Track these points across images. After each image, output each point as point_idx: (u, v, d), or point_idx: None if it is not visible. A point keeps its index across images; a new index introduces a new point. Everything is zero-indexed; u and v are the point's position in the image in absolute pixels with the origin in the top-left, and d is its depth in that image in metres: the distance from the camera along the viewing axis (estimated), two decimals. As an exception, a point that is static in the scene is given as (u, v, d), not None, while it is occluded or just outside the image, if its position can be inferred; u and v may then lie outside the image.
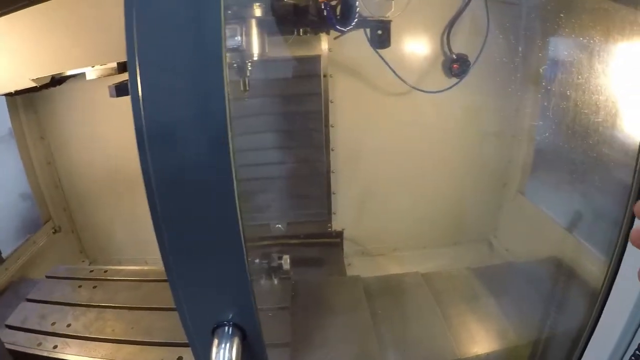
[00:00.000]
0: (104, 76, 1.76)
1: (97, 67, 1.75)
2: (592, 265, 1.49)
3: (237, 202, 0.80)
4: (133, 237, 2.47)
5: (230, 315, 0.90)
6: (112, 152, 2.41)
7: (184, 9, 0.71)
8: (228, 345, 0.87)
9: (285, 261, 2.11)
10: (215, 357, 0.86)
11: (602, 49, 1.59)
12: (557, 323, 1.68)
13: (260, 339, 0.94)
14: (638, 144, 1.00)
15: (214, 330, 0.90)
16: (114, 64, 1.72)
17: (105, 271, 2.14)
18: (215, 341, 0.88)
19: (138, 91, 0.72)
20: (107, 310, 1.93)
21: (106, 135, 2.42)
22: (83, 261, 2.72)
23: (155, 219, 0.79)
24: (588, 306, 1.26)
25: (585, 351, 1.23)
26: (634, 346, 1.05)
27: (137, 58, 0.71)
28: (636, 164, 0.99)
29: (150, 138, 0.74)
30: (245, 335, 0.92)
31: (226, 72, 0.73)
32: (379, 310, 2.00)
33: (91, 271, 2.17)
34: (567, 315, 1.63)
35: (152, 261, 2.40)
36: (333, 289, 2.17)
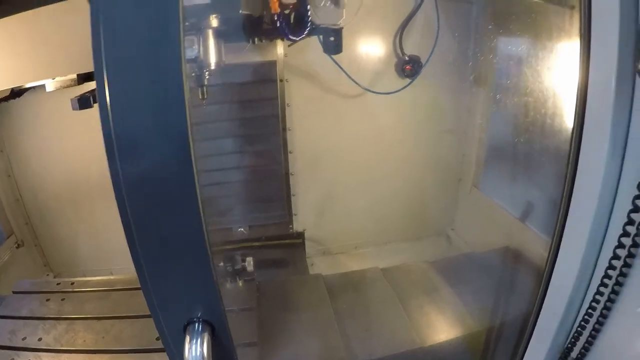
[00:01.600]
0: (64, 88, 1.77)
1: (58, 78, 1.75)
2: (541, 250, 1.64)
3: (199, 202, 0.88)
4: (97, 249, 2.50)
5: (200, 312, 0.98)
6: (72, 165, 2.44)
7: (146, 23, 0.78)
8: (199, 340, 0.96)
9: (249, 263, 2.19)
10: (189, 353, 0.94)
11: (545, 47, 1.74)
12: (511, 306, 1.81)
13: (227, 333, 1.03)
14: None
15: (185, 327, 0.98)
16: (74, 76, 1.75)
17: (72, 283, 2.17)
18: (187, 337, 0.96)
19: (106, 101, 0.78)
20: (77, 321, 1.96)
21: (66, 147, 2.44)
22: (47, 275, 2.74)
23: (125, 223, 0.86)
24: (534, 288, 1.35)
25: (535, 328, 1.35)
26: (579, 318, 1.18)
27: (105, 70, 0.77)
28: (570, 149, 1.12)
29: (119, 146, 0.80)
30: (214, 330, 1.00)
31: (186, 83, 0.80)
32: (342, 306, 2.11)
33: (58, 284, 2.19)
34: (519, 298, 1.75)
35: (117, 271, 2.43)
36: (296, 288, 2.27)
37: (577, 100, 1.06)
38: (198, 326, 0.98)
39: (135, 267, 0.90)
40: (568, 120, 1.13)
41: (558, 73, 1.59)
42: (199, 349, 0.95)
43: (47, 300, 2.11)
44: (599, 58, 0.99)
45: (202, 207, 0.89)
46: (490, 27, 2.41)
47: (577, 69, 1.05)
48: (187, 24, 1.75)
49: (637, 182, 0.93)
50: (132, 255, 0.89)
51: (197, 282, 0.97)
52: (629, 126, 0.97)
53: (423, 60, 2.51)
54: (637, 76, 0.91)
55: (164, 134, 0.83)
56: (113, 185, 0.83)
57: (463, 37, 2.54)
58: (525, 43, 1.98)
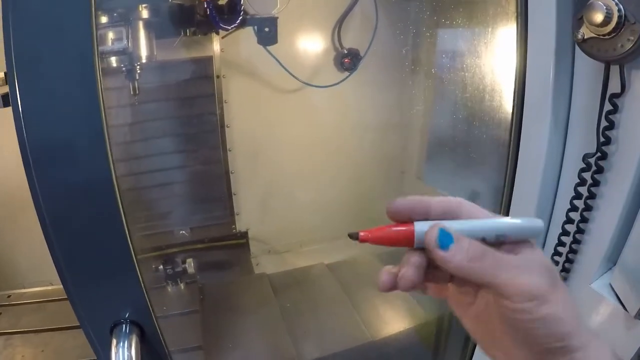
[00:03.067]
0: None
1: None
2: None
3: (118, 196, 0.86)
4: (34, 260, 2.40)
5: (127, 313, 0.96)
6: (2, 171, 2.33)
7: (56, 20, 0.76)
8: (126, 343, 0.93)
9: (190, 265, 2.16)
10: (115, 357, 0.92)
11: (484, 36, 1.77)
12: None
13: (158, 334, 1.02)
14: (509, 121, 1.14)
15: (112, 329, 0.95)
16: (1, 74, 1.69)
17: (9, 296, 2.10)
18: (114, 340, 0.93)
19: (18, 106, 0.77)
20: (14, 336, 1.91)
21: None
22: (-16, 289, 2.62)
23: (43, 226, 0.84)
24: None
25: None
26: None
27: (14, 68, 0.76)
28: (510, 135, 1.14)
29: (33, 152, 0.79)
30: (144, 332, 0.98)
31: (100, 80, 0.79)
32: (288, 304, 2.10)
33: None
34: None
35: (56, 281, 2.28)
36: (241, 289, 2.26)
37: (516, 84, 1.08)
38: (125, 327, 0.96)
39: (56, 268, 0.89)
40: (508, 106, 1.15)
41: (497, 60, 1.62)
42: (126, 352, 0.93)
43: (-17, 315, 2.00)
44: (536, 37, 1.00)
45: (121, 200, 0.88)
46: (429, 17, 2.43)
47: (515, 54, 1.07)
48: (114, 14, 1.70)
49: (580, 156, 0.94)
50: (51, 256, 0.88)
51: (121, 281, 0.95)
52: (570, 97, 0.99)
53: (362, 53, 2.51)
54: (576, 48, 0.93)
55: (76, 134, 0.82)
56: (30, 190, 0.82)
57: (402, 29, 2.57)
58: (462, 34, 2.01)
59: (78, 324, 0.93)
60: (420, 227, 0.52)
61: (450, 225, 0.51)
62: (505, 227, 0.51)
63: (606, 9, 0.78)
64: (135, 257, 0.92)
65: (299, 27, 2.45)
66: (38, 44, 0.76)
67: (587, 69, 0.95)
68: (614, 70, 0.87)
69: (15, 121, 0.78)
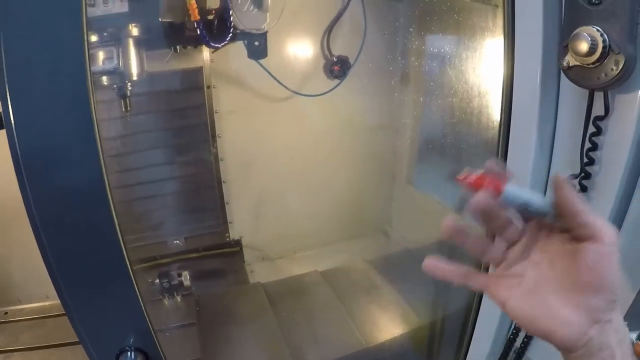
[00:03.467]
0: None
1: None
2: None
3: (117, 227, 0.88)
4: (30, 273, 2.40)
5: (131, 340, 0.98)
6: None
7: (48, 37, 0.78)
8: None
9: (185, 277, 2.17)
10: None
11: (472, 45, 1.80)
12: (453, 299, 1.86)
13: (162, 358, 1.04)
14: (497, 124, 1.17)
15: (118, 357, 0.97)
16: None
17: (6, 313, 2.09)
18: None
19: (11, 121, 0.78)
20: (14, 354, 1.91)
21: None
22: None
23: (42, 250, 0.86)
24: None
25: (478, 318, 1.39)
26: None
27: (7, 87, 0.77)
28: (498, 144, 1.16)
29: (26, 168, 0.80)
30: (148, 357, 1.01)
31: (92, 97, 0.81)
32: (283, 313, 2.12)
33: None
34: (460, 291, 1.82)
35: (52, 296, 2.26)
36: (236, 299, 2.27)
37: (503, 96, 1.10)
38: (130, 354, 0.98)
39: (59, 297, 0.90)
40: (496, 115, 1.17)
41: (485, 69, 1.65)
42: (133, 378, 0.94)
43: (-19, 332, 2.00)
44: (523, 54, 1.03)
45: (121, 231, 0.89)
46: (418, 25, 2.46)
47: (502, 69, 1.09)
48: (105, 34, 1.72)
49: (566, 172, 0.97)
50: (54, 285, 0.89)
51: (125, 310, 0.97)
52: (555, 119, 1.01)
53: (352, 61, 2.53)
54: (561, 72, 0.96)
55: (71, 152, 0.83)
56: (27, 211, 0.82)
57: (391, 36, 2.59)
58: (453, 41, 2.04)
59: (77, 340, 0.94)
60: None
61: None
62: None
63: (591, 39, 0.81)
64: (136, 282, 0.93)
65: (288, 36, 2.47)
66: (31, 65, 0.78)
67: (571, 92, 0.98)
68: (598, 94, 0.90)
69: (9, 140, 0.79)
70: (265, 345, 1.98)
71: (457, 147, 2.13)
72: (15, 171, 0.80)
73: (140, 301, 0.94)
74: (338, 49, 2.55)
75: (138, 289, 0.94)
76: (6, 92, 0.77)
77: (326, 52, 2.55)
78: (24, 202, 0.82)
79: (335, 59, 2.54)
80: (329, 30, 2.49)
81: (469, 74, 1.85)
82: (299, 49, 2.55)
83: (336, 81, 2.56)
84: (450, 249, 1.97)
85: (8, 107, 0.77)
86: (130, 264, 0.92)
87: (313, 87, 2.54)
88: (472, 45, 1.78)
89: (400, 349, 2.02)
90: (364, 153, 2.83)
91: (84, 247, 0.89)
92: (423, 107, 2.60)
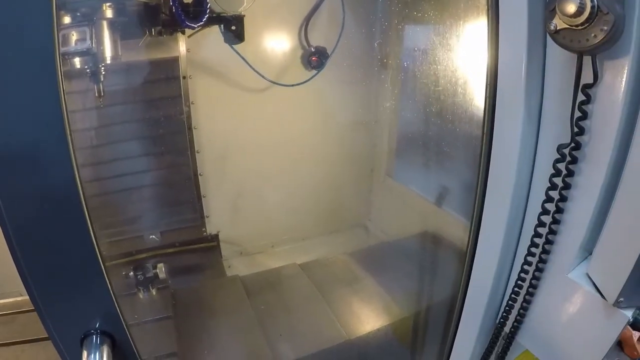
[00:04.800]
0: None
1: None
2: (458, 231, 1.67)
3: (84, 207, 0.84)
4: (1, 270, 2.33)
5: (97, 324, 0.94)
6: None
7: (14, 19, 0.72)
8: (98, 354, 0.91)
9: (161, 270, 2.13)
10: None
11: (453, 31, 1.78)
12: (436, 289, 1.85)
13: (130, 343, 0.99)
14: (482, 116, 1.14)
15: (82, 341, 0.93)
16: None
17: (-22, 309, 2.03)
18: (85, 352, 0.91)
19: None
20: None
21: None
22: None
23: (6, 236, 0.81)
24: (459, 268, 1.40)
25: (464, 307, 1.37)
26: (508, 292, 1.20)
27: None
28: (483, 128, 1.14)
29: None
30: (115, 342, 0.96)
31: (61, 81, 0.76)
32: (262, 306, 2.08)
33: None
34: (444, 279, 1.80)
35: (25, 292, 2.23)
36: (213, 292, 2.24)
37: (488, 77, 1.08)
38: (96, 339, 0.94)
39: (21, 280, 0.86)
40: (480, 100, 1.15)
41: (468, 54, 1.63)
42: (97, 363, 0.89)
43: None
44: (507, 29, 1.00)
45: (88, 210, 0.85)
46: (396, 12, 2.43)
47: (486, 48, 1.06)
48: (77, 14, 1.66)
49: (554, 148, 0.94)
50: (17, 268, 0.85)
51: (91, 291, 0.92)
52: (542, 89, 0.99)
53: (329, 52, 2.50)
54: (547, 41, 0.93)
55: (40, 140, 0.79)
56: None
57: (369, 26, 2.56)
58: (432, 29, 2.01)
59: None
60: None
61: None
62: None
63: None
64: (104, 264, 0.89)
65: (265, 26, 2.43)
66: None
67: (559, 60, 0.95)
68: (587, 61, 0.87)
69: None
70: (243, 338, 1.93)
71: (438, 134, 2.10)
72: None
73: (107, 282, 0.89)
74: (316, 40, 2.52)
75: (105, 270, 0.89)
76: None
77: (304, 42, 2.51)
78: None
79: (313, 50, 2.51)
80: (307, 20, 2.46)
81: (451, 57, 1.82)
82: (277, 39, 2.51)
83: (314, 72, 2.52)
84: (434, 239, 1.96)
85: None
86: (97, 243, 0.87)
87: (291, 78, 2.50)
88: (453, 27, 1.76)
89: (383, 341, 2.00)
90: (342, 145, 2.81)
91: (48, 230, 0.85)
92: (402, 97, 2.58)
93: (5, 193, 0.78)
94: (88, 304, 0.92)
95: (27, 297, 2.05)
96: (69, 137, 0.78)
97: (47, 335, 1.86)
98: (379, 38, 2.59)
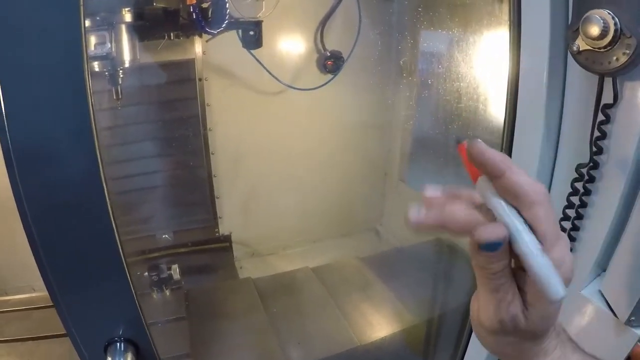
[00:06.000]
0: None
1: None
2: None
3: (111, 213, 0.84)
4: (15, 265, 2.34)
5: (121, 331, 0.94)
6: None
7: (42, 18, 0.73)
8: None
9: (175, 271, 2.15)
10: None
11: (465, 40, 1.79)
12: (450, 297, 1.86)
13: (153, 350, 1.00)
14: (502, 124, 1.15)
15: (106, 348, 0.93)
16: None
17: (-9, 304, 2.06)
18: (109, 359, 0.92)
19: (1, 107, 0.73)
20: None
21: None
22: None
23: (31, 240, 0.81)
24: (472, 277, 1.41)
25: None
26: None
27: None
28: (502, 142, 1.15)
29: (18, 158, 0.76)
30: (138, 348, 0.96)
31: (88, 81, 0.77)
32: (275, 310, 2.09)
33: None
34: (457, 289, 1.81)
35: (39, 287, 2.31)
36: (226, 294, 2.24)
37: (509, 91, 1.08)
38: (120, 346, 0.94)
39: (46, 286, 0.86)
40: (498, 111, 1.16)
41: (486, 66, 1.64)
42: (122, 370, 0.90)
43: (-34, 324, 1.96)
44: (529, 45, 1.01)
45: (114, 216, 0.86)
46: (412, 20, 2.45)
47: (508, 58, 1.07)
48: (97, 18, 1.68)
49: (573, 167, 0.95)
50: (41, 274, 0.85)
51: (115, 299, 0.92)
52: (562, 108, 1.00)
53: (345, 56, 2.51)
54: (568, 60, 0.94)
55: (65, 138, 0.79)
56: (15, 199, 0.78)
57: (386, 31, 2.57)
58: (450, 35, 2.02)
59: (64, 332, 0.91)
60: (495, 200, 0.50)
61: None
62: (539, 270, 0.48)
63: (603, 22, 0.79)
64: (128, 269, 0.90)
65: (281, 30, 2.45)
66: (23, 46, 0.73)
67: (579, 79, 0.96)
68: (607, 81, 0.88)
69: None
70: (256, 341, 1.95)
71: (453, 144, 2.11)
72: (5, 160, 0.75)
73: (132, 289, 0.91)
74: (331, 44, 2.53)
75: (130, 277, 0.90)
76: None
77: (319, 46, 2.53)
78: (13, 191, 0.78)
79: (328, 54, 2.52)
80: (323, 24, 2.48)
81: (468, 66, 1.83)
82: (292, 43, 2.53)
83: (329, 76, 2.54)
84: (448, 247, 1.97)
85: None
86: (122, 249, 0.88)
87: (306, 82, 2.52)
88: (472, 37, 1.77)
89: (394, 348, 2.00)
90: (356, 149, 2.82)
91: (75, 234, 0.85)
92: (417, 103, 2.59)
93: (30, 192, 0.79)
94: (112, 311, 0.92)
95: (42, 294, 2.09)
96: (94, 132, 0.78)
97: (61, 332, 1.89)
98: (395, 43, 2.61)
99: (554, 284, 0.47)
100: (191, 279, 2.36)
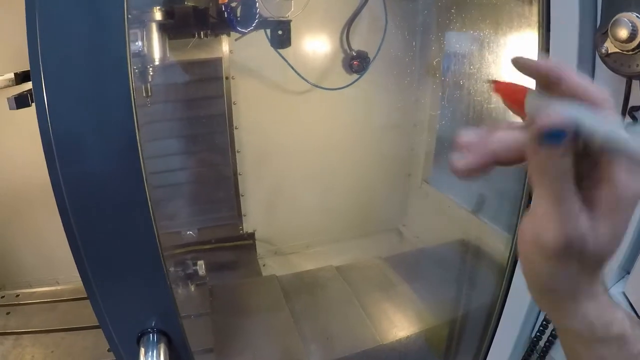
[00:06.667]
0: (1, 88, 1.72)
1: (-6, 79, 1.71)
2: (497, 243, 1.68)
3: (149, 203, 0.86)
4: (41, 258, 2.39)
5: (154, 322, 0.95)
6: (10, 170, 2.29)
7: (87, 15, 0.75)
8: (155, 352, 0.92)
9: (201, 267, 2.17)
10: None
11: (491, 40, 1.79)
12: (472, 299, 1.86)
13: (185, 342, 1.01)
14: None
15: (139, 338, 0.94)
16: (11, 75, 1.69)
17: (17, 295, 2.10)
18: (142, 350, 0.92)
19: (44, 99, 0.75)
20: (24, 336, 1.90)
21: (3, 152, 2.29)
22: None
23: (69, 231, 0.82)
24: (497, 281, 1.42)
25: (500, 320, 1.38)
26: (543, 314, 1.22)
27: (41, 65, 0.74)
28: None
29: (58, 149, 0.77)
30: (171, 340, 0.97)
31: (131, 77, 0.78)
32: (298, 307, 2.12)
33: (2, 297, 2.13)
34: (481, 290, 1.81)
35: (63, 280, 2.37)
36: (251, 290, 2.27)
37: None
38: (153, 337, 0.95)
39: (81, 277, 0.87)
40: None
41: (513, 67, 1.64)
42: (155, 361, 0.91)
43: (-8, 314, 2.01)
44: (558, 47, 1.02)
45: (152, 209, 0.87)
46: (439, 22, 2.45)
47: (536, 55, 1.08)
48: (129, 16, 1.71)
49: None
50: (77, 265, 0.86)
51: (150, 290, 0.93)
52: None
53: (371, 56, 2.53)
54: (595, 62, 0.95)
55: (108, 133, 0.80)
56: (54, 190, 0.80)
57: (411, 33, 2.58)
58: (477, 35, 2.02)
59: (89, 325, 0.92)
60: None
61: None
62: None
63: (632, 25, 0.80)
64: (164, 260, 0.92)
65: (307, 30, 2.48)
66: (68, 42, 0.75)
67: (607, 82, 0.97)
68: (635, 83, 0.89)
69: (40, 117, 0.76)
70: (280, 338, 1.97)
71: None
72: (45, 149, 0.77)
73: (168, 280, 0.92)
74: (357, 44, 2.55)
75: (166, 267, 0.92)
76: (39, 66, 0.74)
77: (345, 46, 2.55)
78: (53, 184, 0.79)
79: (354, 54, 2.54)
80: (349, 24, 2.50)
81: (496, 66, 1.83)
82: (319, 43, 2.55)
83: (355, 76, 2.56)
84: (471, 248, 1.96)
85: (41, 81, 0.75)
86: (159, 239, 0.90)
87: (331, 82, 2.54)
88: (498, 38, 1.77)
89: (415, 348, 2.01)
90: (380, 149, 2.83)
91: (114, 227, 0.86)
92: (442, 103, 2.59)
93: (71, 185, 0.80)
94: (146, 301, 0.93)
95: (66, 287, 2.13)
96: (136, 128, 0.80)
97: (85, 325, 1.93)
98: (420, 44, 2.61)
99: None
100: (215, 275, 2.39)
